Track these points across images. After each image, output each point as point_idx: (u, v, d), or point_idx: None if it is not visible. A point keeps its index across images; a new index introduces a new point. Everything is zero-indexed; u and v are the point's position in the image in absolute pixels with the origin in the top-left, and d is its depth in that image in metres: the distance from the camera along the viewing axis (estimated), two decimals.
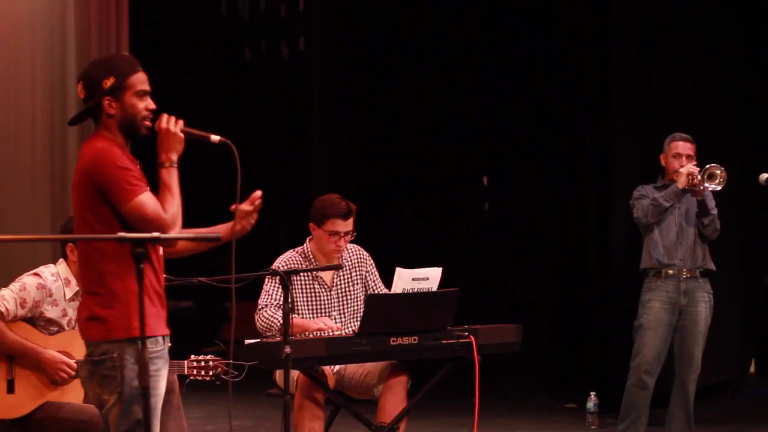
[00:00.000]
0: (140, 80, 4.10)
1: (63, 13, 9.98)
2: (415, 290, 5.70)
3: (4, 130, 9.60)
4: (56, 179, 9.99)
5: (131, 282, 3.95)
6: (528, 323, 6.22)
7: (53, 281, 5.32)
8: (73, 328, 5.31)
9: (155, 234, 3.63)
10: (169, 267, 4.76)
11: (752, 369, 10.31)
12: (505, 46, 10.40)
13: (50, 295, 5.28)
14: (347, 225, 5.89)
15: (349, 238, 5.94)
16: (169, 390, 5.32)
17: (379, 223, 9.87)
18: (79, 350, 5.27)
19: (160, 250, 4.14)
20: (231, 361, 5.05)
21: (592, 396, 8.16)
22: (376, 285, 6.09)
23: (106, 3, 10.48)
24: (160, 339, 4.04)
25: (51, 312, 5.28)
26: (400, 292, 5.68)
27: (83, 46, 10.27)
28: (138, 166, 4.09)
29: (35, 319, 5.29)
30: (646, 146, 8.94)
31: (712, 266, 7.06)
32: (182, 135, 4.10)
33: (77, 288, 5.32)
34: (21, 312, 5.22)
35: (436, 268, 5.77)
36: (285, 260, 5.91)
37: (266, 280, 5.82)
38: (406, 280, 5.70)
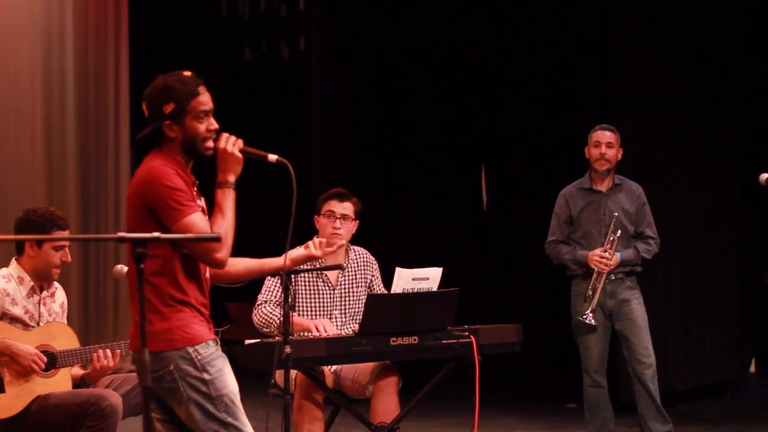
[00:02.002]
0: (200, 102, 4.09)
1: (62, 13, 9.98)
2: (415, 290, 5.70)
3: (4, 130, 9.60)
4: (54, 179, 9.99)
5: (170, 296, 3.99)
6: (528, 323, 6.21)
7: (6, 282, 5.37)
8: (38, 323, 5.38)
9: (155, 234, 3.62)
10: None
11: (752, 369, 10.31)
12: (505, 45, 10.40)
13: (8, 295, 5.34)
14: (344, 207, 5.96)
15: (348, 224, 5.95)
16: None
17: (380, 222, 9.86)
18: (59, 342, 5.33)
19: (207, 271, 4.15)
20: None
21: None
22: (379, 290, 6.09)
23: (104, 3, 10.48)
24: (211, 342, 4.06)
25: (15, 310, 5.33)
26: (400, 292, 5.68)
27: (81, 46, 10.27)
28: (194, 187, 4.09)
29: (2, 319, 5.33)
30: (646, 146, 8.97)
31: (638, 268, 7.00)
32: (241, 155, 4.10)
33: (32, 283, 5.39)
34: None
35: (436, 268, 5.77)
36: None
37: (267, 276, 5.84)
38: (406, 280, 5.71)
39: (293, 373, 5.57)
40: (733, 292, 9.45)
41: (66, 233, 5.44)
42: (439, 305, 5.58)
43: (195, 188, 4.12)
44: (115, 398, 5.21)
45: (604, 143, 6.92)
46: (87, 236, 4.60)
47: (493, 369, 5.89)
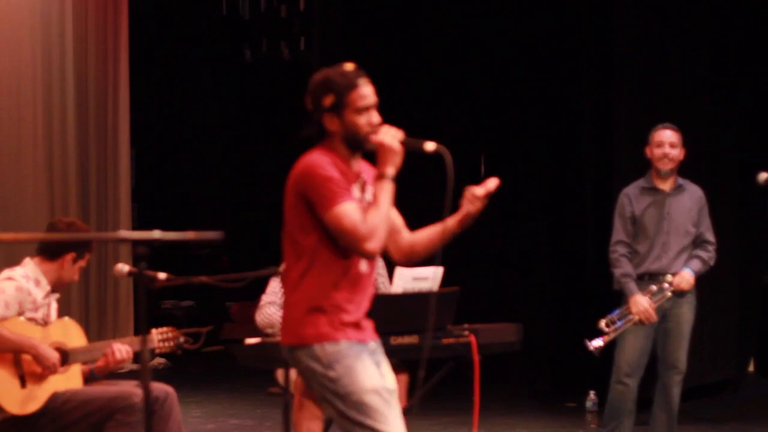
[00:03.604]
0: (360, 96, 4.04)
1: (62, 13, 9.99)
2: (416, 290, 5.71)
3: (5, 130, 9.62)
4: (55, 179, 10.00)
5: (296, 291, 3.96)
6: (528, 323, 6.21)
7: (26, 282, 5.36)
8: (47, 324, 5.38)
9: (155, 234, 3.62)
10: (169, 267, 4.76)
11: (751, 368, 10.31)
12: (504, 41, 10.40)
13: (29, 295, 5.34)
14: None
15: None
16: (166, 400, 5.35)
17: None
18: (71, 339, 5.36)
19: (361, 267, 4.07)
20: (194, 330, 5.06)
21: (591, 395, 8.17)
22: (385, 286, 6.09)
23: (104, 3, 10.49)
24: (343, 342, 3.95)
25: (29, 314, 5.34)
26: (401, 291, 5.68)
27: (81, 46, 10.28)
28: (354, 179, 4.06)
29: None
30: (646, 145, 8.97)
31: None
32: (400, 148, 4.10)
33: (48, 287, 5.40)
34: (7, 313, 5.26)
35: (436, 268, 5.76)
36: None
37: (272, 278, 5.84)
38: (406, 279, 5.71)
39: (293, 372, 5.57)
40: (733, 291, 9.45)
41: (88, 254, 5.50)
42: (440, 305, 5.58)
43: (359, 182, 4.09)
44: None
45: (667, 143, 6.80)
46: (87, 236, 4.58)
47: (493, 368, 5.89)
